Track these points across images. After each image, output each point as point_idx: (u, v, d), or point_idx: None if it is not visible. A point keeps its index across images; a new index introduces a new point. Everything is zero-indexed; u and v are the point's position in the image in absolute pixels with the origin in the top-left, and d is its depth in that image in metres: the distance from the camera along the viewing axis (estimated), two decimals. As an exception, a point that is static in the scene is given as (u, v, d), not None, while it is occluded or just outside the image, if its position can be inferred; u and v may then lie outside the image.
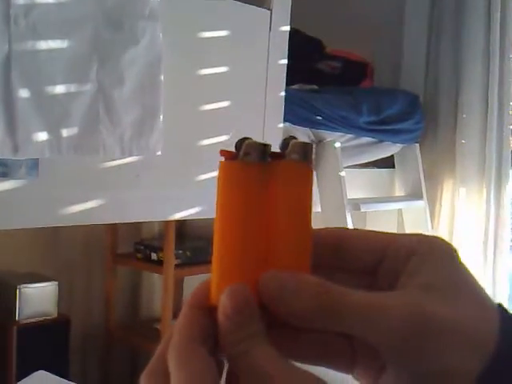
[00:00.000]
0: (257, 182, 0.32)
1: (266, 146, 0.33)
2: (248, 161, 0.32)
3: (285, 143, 0.33)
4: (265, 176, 0.32)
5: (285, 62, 1.75)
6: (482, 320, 0.30)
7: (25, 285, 2.37)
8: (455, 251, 0.33)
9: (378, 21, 2.52)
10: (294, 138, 0.33)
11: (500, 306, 0.32)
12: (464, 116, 2.34)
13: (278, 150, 0.33)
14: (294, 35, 1.80)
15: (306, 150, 0.33)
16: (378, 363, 0.33)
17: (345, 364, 0.34)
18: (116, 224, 2.70)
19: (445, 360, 0.29)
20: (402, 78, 2.50)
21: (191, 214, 1.60)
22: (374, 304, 0.30)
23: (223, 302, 0.30)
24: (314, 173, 2.01)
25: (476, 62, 2.30)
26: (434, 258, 0.32)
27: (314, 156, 0.33)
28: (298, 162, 0.33)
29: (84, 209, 1.34)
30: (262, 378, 0.28)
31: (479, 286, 0.32)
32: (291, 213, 0.32)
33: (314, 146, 0.34)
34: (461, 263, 0.32)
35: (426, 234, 0.34)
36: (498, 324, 0.30)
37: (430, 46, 2.44)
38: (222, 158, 0.32)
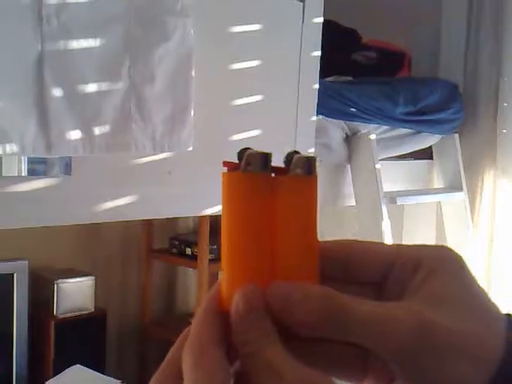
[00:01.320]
0: (260, 192, 0.33)
1: (267, 155, 0.33)
2: (250, 171, 0.33)
3: (288, 158, 0.34)
4: (268, 186, 0.33)
5: (318, 54, 1.72)
6: (487, 334, 0.30)
7: (62, 280, 2.40)
8: (463, 262, 0.33)
9: (416, 9, 2.47)
10: (297, 152, 0.34)
11: (508, 315, 0.32)
12: (505, 105, 2.28)
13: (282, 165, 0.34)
14: (329, 26, 1.77)
15: (309, 164, 0.33)
16: (388, 374, 0.33)
17: (356, 375, 0.34)
18: (151, 220, 2.71)
19: (450, 374, 0.29)
20: (441, 67, 2.45)
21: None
22: (379, 316, 0.30)
23: (236, 301, 0.31)
24: (349, 166, 1.98)
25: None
26: (441, 270, 0.32)
27: (317, 169, 0.34)
28: (303, 176, 0.33)
29: (117, 205, 1.34)
30: (274, 378, 0.29)
31: (487, 297, 0.32)
32: (297, 225, 0.33)
33: (317, 159, 0.34)
34: (469, 274, 0.32)
35: (433, 245, 0.34)
36: (505, 335, 0.30)
37: (469, 33, 2.38)
38: (225, 169, 0.33)
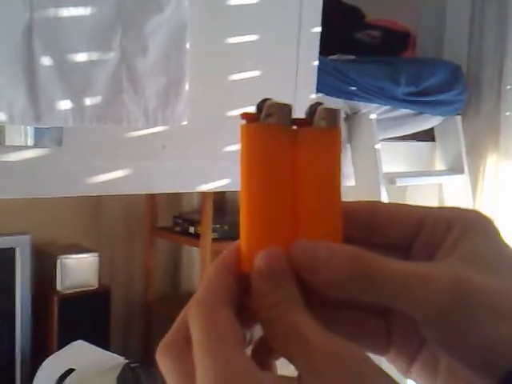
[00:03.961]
0: (281, 145, 0.31)
1: (289, 106, 0.31)
2: (271, 122, 0.31)
3: (312, 109, 0.32)
4: (289, 139, 0.31)
5: (318, 30, 1.70)
6: None
7: (65, 255, 2.41)
8: (494, 224, 0.31)
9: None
10: (321, 103, 0.32)
11: None
12: (508, 87, 2.25)
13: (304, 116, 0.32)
14: (332, 3, 1.75)
15: (333, 115, 0.32)
16: (413, 344, 0.32)
17: (380, 345, 0.33)
18: (155, 197, 2.72)
19: (486, 334, 0.28)
20: (445, 48, 2.41)
21: (219, 186, 1.58)
22: (412, 273, 0.29)
23: (258, 263, 0.29)
24: (348, 146, 1.97)
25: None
26: (473, 231, 0.31)
27: (341, 122, 0.31)
28: (326, 128, 0.31)
29: (110, 179, 1.34)
30: (299, 342, 0.27)
31: None
32: (320, 180, 0.31)
33: (341, 111, 0.31)
34: (500, 236, 0.31)
35: (464, 207, 0.32)
36: None
37: (473, 14, 2.35)
38: (244, 121, 0.31)
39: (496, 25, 2.27)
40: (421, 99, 2.06)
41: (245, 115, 0.31)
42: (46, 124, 1.18)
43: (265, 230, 0.31)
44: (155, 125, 1.36)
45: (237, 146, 1.57)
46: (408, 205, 0.33)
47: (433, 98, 2.11)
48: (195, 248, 2.83)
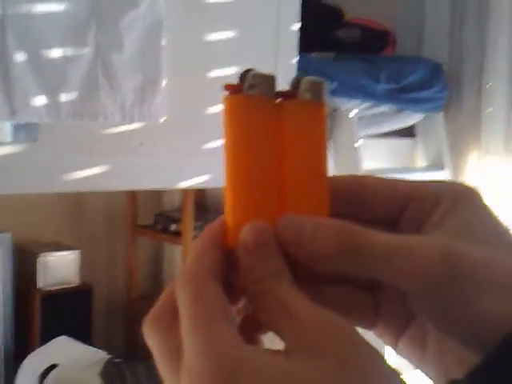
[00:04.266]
0: (265, 117, 0.30)
1: (272, 77, 0.30)
2: (254, 93, 0.30)
3: (296, 81, 0.31)
4: (273, 111, 0.30)
5: (297, 27, 1.70)
6: None
7: (46, 253, 2.40)
8: (482, 197, 0.31)
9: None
10: (305, 75, 0.31)
11: None
12: (489, 84, 2.26)
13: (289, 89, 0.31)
14: (311, 2, 1.76)
15: (318, 88, 0.30)
16: (401, 319, 0.32)
17: (367, 319, 0.33)
18: (136, 195, 2.71)
19: (476, 305, 0.27)
20: (425, 45, 2.43)
21: (198, 183, 1.58)
22: (401, 245, 0.28)
23: (244, 237, 0.28)
24: (329, 142, 1.97)
25: (502, 27, 2.21)
26: (461, 203, 0.30)
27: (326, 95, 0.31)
28: (311, 100, 0.30)
29: (86, 175, 1.34)
30: (285, 315, 0.27)
31: (508, 230, 0.30)
32: (306, 154, 0.30)
33: (326, 83, 0.31)
34: (488, 208, 0.31)
35: (451, 181, 0.32)
36: None
37: (454, 12, 2.36)
38: (226, 93, 0.30)
39: (476, 22, 2.28)
40: (402, 96, 2.07)
41: (228, 86, 0.30)
42: (20, 119, 1.17)
43: (250, 204, 0.30)
44: (132, 121, 1.36)
45: (215, 143, 1.58)
46: (396, 179, 0.33)
47: (413, 95, 2.12)
48: (177, 246, 2.83)
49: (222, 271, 0.29)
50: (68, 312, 2.42)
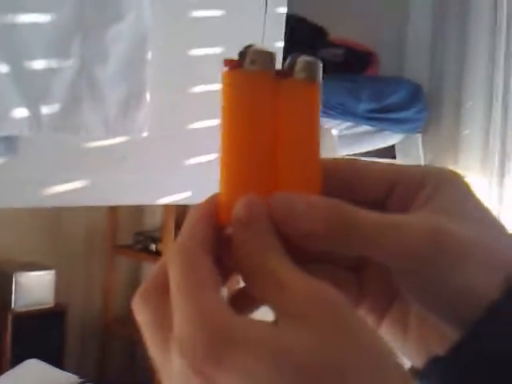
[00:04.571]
0: (264, 92, 0.30)
1: (272, 54, 0.30)
2: (255, 69, 0.30)
3: (292, 60, 0.31)
4: (272, 88, 0.30)
5: (281, 45, 1.71)
6: (498, 244, 0.30)
7: (21, 273, 2.36)
8: (466, 180, 0.32)
9: (382, 8, 2.48)
10: (301, 54, 0.31)
11: None
12: (469, 105, 2.29)
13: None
14: (296, 22, 1.76)
15: (313, 67, 0.31)
16: (384, 300, 0.33)
17: (351, 300, 0.33)
18: (117, 214, 2.68)
19: (461, 282, 0.29)
20: (407, 66, 2.46)
21: (179, 200, 1.56)
22: (390, 223, 0.29)
23: (237, 211, 0.29)
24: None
25: (482, 50, 2.25)
26: (445, 185, 0.31)
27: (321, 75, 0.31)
28: (306, 80, 0.31)
29: (66, 190, 1.31)
30: (278, 287, 0.27)
31: (489, 210, 0.31)
32: (300, 133, 0.31)
33: (320, 63, 0.31)
34: (470, 190, 0.32)
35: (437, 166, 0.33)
36: None
37: (434, 33, 2.40)
38: (226, 69, 0.30)
39: (456, 44, 2.32)
40: (382, 116, 2.09)
41: (228, 61, 0.30)
42: (0, 131, 1.14)
43: (244, 181, 0.30)
44: (115, 135, 1.34)
45: (198, 159, 1.56)
46: (384, 163, 0.34)
47: (394, 116, 2.14)
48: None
49: (213, 247, 0.29)
50: (41, 334, 2.38)
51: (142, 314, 0.28)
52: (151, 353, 0.28)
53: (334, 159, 0.33)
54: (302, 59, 0.31)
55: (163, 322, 0.27)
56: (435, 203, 0.30)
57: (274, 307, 0.27)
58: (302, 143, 0.31)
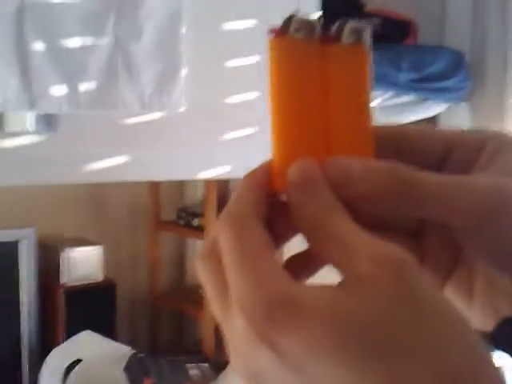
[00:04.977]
0: (311, 59, 0.30)
1: (317, 22, 0.30)
2: (300, 36, 0.30)
3: (340, 26, 0.31)
4: (318, 55, 0.31)
5: (317, 15, 1.68)
6: None
7: (69, 248, 2.41)
8: None
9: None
10: (348, 20, 0.31)
11: None
12: (513, 73, 2.23)
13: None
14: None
15: (362, 32, 0.30)
16: (446, 264, 0.32)
17: None
18: (159, 190, 2.71)
19: None
20: (447, 35, 2.39)
21: (220, 174, 1.57)
22: (452, 182, 0.28)
23: (292, 175, 0.28)
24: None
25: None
26: (506, 147, 0.30)
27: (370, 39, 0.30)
28: (355, 45, 0.30)
29: (106, 166, 1.33)
30: (342, 248, 0.26)
31: None
32: (351, 99, 0.30)
33: (370, 28, 0.31)
34: None
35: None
36: None
37: (475, 1, 2.33)
38: (272, 36, 0.30)
39: (499, 11, 2.24)
40: (424, 86, 2.05)
41: (273, 30, 0.30)
42: (40, 110, 1.17)
43: (296, 147, 0.30)
44: (151, 110, 1.35)
45: (236, 133, 1.57)
46: (436, 128, 0.34)
47: (435, 85, 2.09)
48: (200, 240, 2.83)
49: (265, 213, 0.28)
50: (92, 307, 2.43)
51: (202, 276, 0.28)
52: (215, 314, 0.28)
53: (386, 125, 0.32)
54: (350, 25, 0.30)
55: (223, 285, 0.27)
56: (498, 163, 0.30)
57: (339, 267, 0.26)
58: (354, 108, 0.31)
